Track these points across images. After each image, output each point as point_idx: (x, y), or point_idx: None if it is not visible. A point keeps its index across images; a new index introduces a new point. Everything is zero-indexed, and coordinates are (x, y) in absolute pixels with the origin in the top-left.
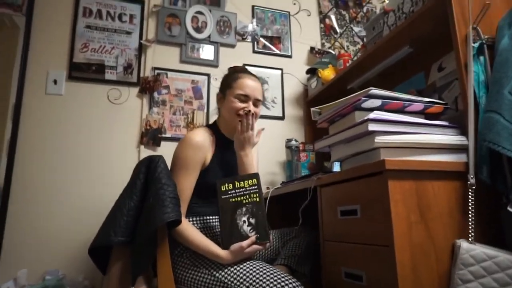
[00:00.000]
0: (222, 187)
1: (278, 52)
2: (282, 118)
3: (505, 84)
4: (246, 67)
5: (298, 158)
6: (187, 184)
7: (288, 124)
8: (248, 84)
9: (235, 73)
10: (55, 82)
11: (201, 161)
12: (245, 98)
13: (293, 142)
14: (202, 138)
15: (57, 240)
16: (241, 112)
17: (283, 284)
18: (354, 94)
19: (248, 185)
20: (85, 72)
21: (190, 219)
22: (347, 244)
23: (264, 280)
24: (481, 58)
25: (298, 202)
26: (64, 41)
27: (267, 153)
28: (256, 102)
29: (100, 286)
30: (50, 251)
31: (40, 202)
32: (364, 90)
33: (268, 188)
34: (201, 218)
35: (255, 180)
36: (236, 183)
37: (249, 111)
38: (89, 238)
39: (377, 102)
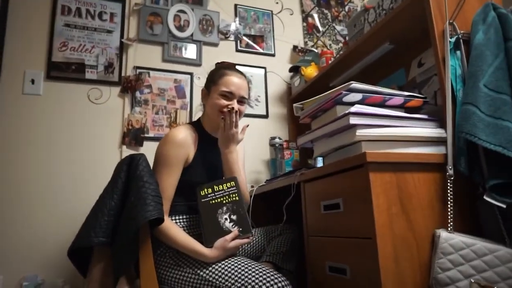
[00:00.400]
0: (201, 192)
1: (261, 50)
2: (266, 116)
3: (480, 77)
4: None
5: (282, 156)
6: (169, 182)
7: (272, 122)
8: (234, 82)
9: (221, 69)
10: (32, 81)
11: (184, 159)
12: (230, 95)
13: (277, 140)
14: (184, 135)
15: (35, 244)
16: (224, 110)
17: (269, 279)
18: (336, 88)
19: (226, 187)
20: (65, 71)
21: (174, 218)
22: (330, 238)
23: (250, 276)
24: (458, 52)
25: (283, 199)
26: (42, 40)
27: (251, 152)
28: (241, 100)
29: None
30: (27, 255)
31: (16, 205)
32: (345, 84)
33: (252, 186)
34: (185, 216)
35: (233, 182)
36: (215, 187)
37: (233, 108)
38: (69, 241)
39: (358, 96)
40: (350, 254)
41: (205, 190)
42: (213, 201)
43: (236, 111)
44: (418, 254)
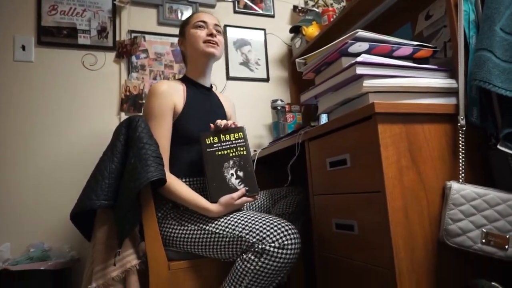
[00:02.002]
0: (206, 140)
1: (260, 11)
2: (266, 80)
3: (496, 20)
4: (228, 28)
5: (284, 119)
6: (160, 133)
7: (273, 86)
8: (204, 14)
9: (190, 15)
10: (23, 48)
11: (170, 108)
12: (203, 23)
13: (279, 102)
14: (165, 86)
15: (39, 212)
16: (206, 38)
17: (276, 224)
18: (341, 38)
19: (234, 138)
20: (56, 36)
21: (185, 180)
22: (337, 195)
23: (257, 223)
24: None
25: (287, 161)
26: (30, 3)
27: (252, 116)
28: (216, 28)
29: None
30: (33, 223)
31: (17, 173)
32: (351, 33)
33: (255, 151)
34: (187, 179)
35: (241, 133)
36: (222, 136)
37: (212, 34)
38: (72, 207)
39: (365, 46)
40: (357, 210)
41: (211, 138)
42: (219, 153)
43: (216, 35)
44: (428, 206)
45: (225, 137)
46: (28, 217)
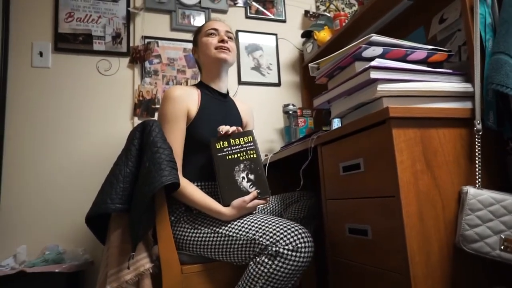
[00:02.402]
0: (216, 145)
1: (272, 16)
2: (278, 84)
3: None
4: (240, 33)
5: (296, 123)
6: (174, 138)
7: (285, 90)
8: (215, 22)
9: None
10: (40, 54)
11: (183, 113)
12: (215, 31)
13: (291, 107)
14: (179, 91)
15: (55, 215)
16: (217, 45)
17: (290, 227)
18: (355, 43)
19: (243, 142)
20: (72, 43)
21: (197, 184)
22: (350, 200)
23: (271, 226)
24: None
25: (298, 166)
26: (47, 10)
27: (264, 121)
28: (228, 35)
29: (101, 258)
30: (48, 226)
31: (34, 178)
32: (365, 37)
33: (266, 155)
34: (200, 184)
35: (250, 137)
36: (231, 140)
37: (223, 41)
38: (87, 211)
39: (379, 50)
40: (371, 215)
41: (221, 143)
42: (230, 157)
43: (227, 42)
44: (444, 211)
45: (234, 141)
46: (44, 220)
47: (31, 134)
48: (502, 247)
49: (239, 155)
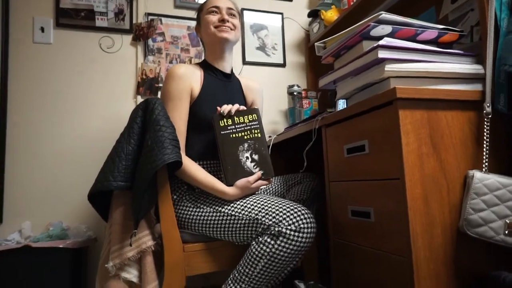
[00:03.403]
0: (220, 122)
1: None
2: (283, 65)
3: None
4: (245, 11)
5: (300, 104)
6: (177, 116)
7: (290, 71)
8: None
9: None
10: (42, 30)
11: (187, 91)
12: (216, 9)
13: (295, 88)
14: (183, 69)
15: (58, 192)
16: (216, 23)
17: (293, 208)
18: (363, 21)
19: (248, 121)
20: (74, 18)
21: (199, 163)
22: (353, 182)
23: (274, 206)
24: None
25: (302, 148)
26: None
27: (268, 102)
28: (230, 12)
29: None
30: (52, 203)
31: (37, 155)
32: (374, 15)
33: (270, 136)
34: (203, 162)
35: (255, 115)
36: (235, 118)
37: (223, 19)
38: (89, 188)
39: (388, 29)
40: (375, 197)
41: (225, 120)
42: (234, 135)
43: (228, 20)
44: (449, 195)
45: (239, 119)
46: (48, 197)
47: (33, 111)
48: (506, 232)
49: (243, 133)
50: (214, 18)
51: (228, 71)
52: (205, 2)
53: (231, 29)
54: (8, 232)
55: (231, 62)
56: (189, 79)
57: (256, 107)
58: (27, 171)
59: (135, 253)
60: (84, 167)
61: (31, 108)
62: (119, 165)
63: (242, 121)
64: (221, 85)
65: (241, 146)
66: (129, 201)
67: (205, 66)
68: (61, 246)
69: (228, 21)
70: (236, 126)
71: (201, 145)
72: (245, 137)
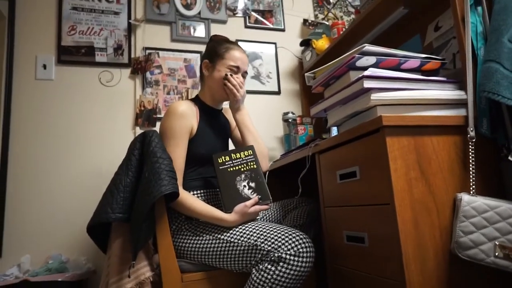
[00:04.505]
0: (219, 159)
1: (270, 26)
2: (278, 93)
3: (504, 31)
4: (239, 43)
5: (296, 131)
6: (178, 153)
7: (285, 98)
8: (240, 57)
9: (224, 43)
10: (44, 66)
11: (188, 130)
12: (237, 69)
13: (290, 115)
14: (185, 107)
15: (57, 225)
16: (229, 75)
17: (291, 233)
18: (348, 53)
19: (244, 156)
20: (75, 55)
21: (193, 193)
22: (347, 207)
23: (272, 232)
24: (479, 8)
25: (298, 173)
26: (51, 24)
27: (264, 129)
28: (244, 75)
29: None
30: (51, 236)
31: (37, 188)
32: (358, 47)
33: None
34: (202, 191)
35: (250, 151)
36: (232, 155)
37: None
38: (88, 220)
39: (372, 60)
40: (368, 222)
41: (223, 158)
42: (231, 169)
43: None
44: (439, 218)
45: (236, 156)
46: (47, 230)
47: (35, 145)
48: (496, 254)
49: (240, 167)
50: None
51: (219, 108)
52: (226, 50)
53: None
54: (7, 267)
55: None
56: (190, 118)
57: (251, 145)
58: (27, 204)
59: (133, 284)
60: (84, 198)
61: (32, 143)
62: (117, 197)
63: (239, 156)
64: (214, 122)
65: (239, 177)
66: (127, 233)
67: (200, 104)
68: (60, 279)
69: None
70: (233, 161)
71: (196, 178)
72: (242, 169)
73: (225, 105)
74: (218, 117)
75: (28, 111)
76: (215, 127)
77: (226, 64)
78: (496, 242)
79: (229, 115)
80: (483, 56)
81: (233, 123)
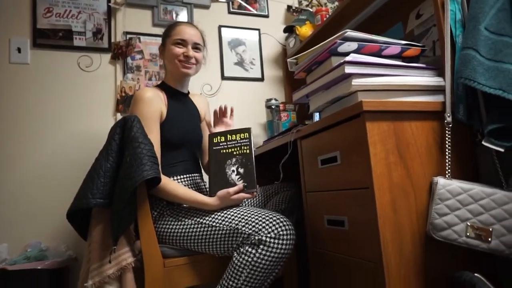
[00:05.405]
0: (214, 139)
1: (254, 12)
2: (261, 79)
3: (481, 19)
4: (223, 28)
5: (279, 117)
6: (152, 139)
7: (268, 85)
8: (185, 30)
9: (173, 24)
10: (19, 50)
11: (158, 114)
12: (183, 42)
13: (273, 102)
14: (151, 93)
15: (36, 212)
16: (181, 58)
17: (271, 216)
18: (330, 38)
19: (240, 138)
20: (52, 38)
21: (173, 178)
22: (328, 192)
23: (253, 216)
24: None
25: (281, 159)
26: (25, 6)
27: (247, 116)
28: (195, 47)
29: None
30: (30, 223)
31: (14, 174)
32: (340, 33)
33: None
34: (181, 176)
35: (247, 134)
36: (228, 136)
37: (188, 56)
38: (68, 207)
39: (354, 45)
40: (348, 206)
41: (218, 138)
42: (224, 151)
43: (192, 57)
44: (416, 201)
45: (231, 137)
46: (25, 217)
47: (11, 131)
48: (468, 234)
49: (233, 149)
50: (179, 51)
51: (185, 91)
52: (172, 28)
53: (194, 64)
54: None
55: (188, 85)
56: (158, 102)
57: (249, 127)
58: (4, 191)
59: (115, 270)
60: (63, 185)
61: (8, 128)
62: (97, 182)
63: (234, 138)
64: (182, 106)
65: (229, 161)
66: (108, 218)
67: (166, 88)
68: (39, 267)
69: (191, 58)
70: (228, 142)
71: (172, 163)
72: (235, 152)
73: (191, 89)
74: (185, 100)
75: (2, 96)
76: (184, 110)
77: (172, 40)
78: (468, 223)
79: (196, 99)
80: (461, 43)
81: (201, 108)
